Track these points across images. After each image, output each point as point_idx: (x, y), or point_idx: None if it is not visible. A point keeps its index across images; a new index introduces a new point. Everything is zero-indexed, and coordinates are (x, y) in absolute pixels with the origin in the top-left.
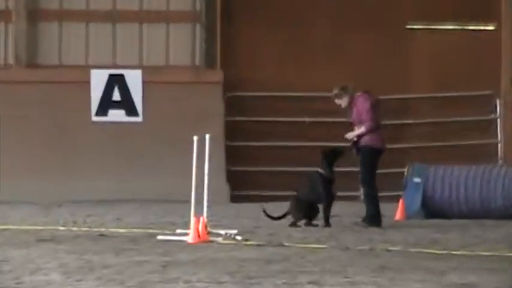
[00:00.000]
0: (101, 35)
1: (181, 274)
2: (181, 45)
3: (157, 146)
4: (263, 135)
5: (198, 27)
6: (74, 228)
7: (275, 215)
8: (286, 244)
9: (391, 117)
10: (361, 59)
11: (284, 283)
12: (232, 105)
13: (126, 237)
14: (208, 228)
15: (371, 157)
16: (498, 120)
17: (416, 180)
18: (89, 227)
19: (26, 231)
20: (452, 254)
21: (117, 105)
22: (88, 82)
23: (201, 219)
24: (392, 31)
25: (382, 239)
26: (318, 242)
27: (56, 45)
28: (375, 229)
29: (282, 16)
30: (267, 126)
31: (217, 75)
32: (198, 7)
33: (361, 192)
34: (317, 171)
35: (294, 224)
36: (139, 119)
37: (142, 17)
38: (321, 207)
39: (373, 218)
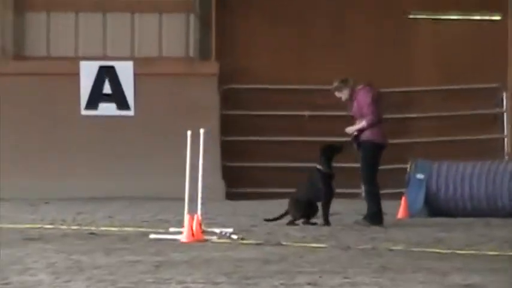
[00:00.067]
0: (91, 25)
1: (174, 275)
2: (174, 35)
3: (150, 141)
4: (260, 130)
5: (192, 17)
6: (63, 227)
7: (275, 215)
8: (284, 243)
9: (393, 111)
10: (362, 50)
11: (282, 284)
12: (228, 98)
13: (117, 236)
14: (203, 227)
15: (372, 153)
16: (504, 114)
17: (420, 176)
18: (79, 225)
19: (13, 230)
20: (456, 253)
21: (107, 98)
22: (77, 74)
23: (195, 217)
24: (394, 21)
25: (384, 238)
26: (317, 241)
27: (44, 36)
28: (376, 228)
29: (280, 4)
30: (264, 120)
31: (212, 67)
32: None
33: (362, 190)
34: (316, 168)
35: (291, 223)
36: (130, 112)
37: (133, 6)
38: (320, 205)
39: (375, 216)
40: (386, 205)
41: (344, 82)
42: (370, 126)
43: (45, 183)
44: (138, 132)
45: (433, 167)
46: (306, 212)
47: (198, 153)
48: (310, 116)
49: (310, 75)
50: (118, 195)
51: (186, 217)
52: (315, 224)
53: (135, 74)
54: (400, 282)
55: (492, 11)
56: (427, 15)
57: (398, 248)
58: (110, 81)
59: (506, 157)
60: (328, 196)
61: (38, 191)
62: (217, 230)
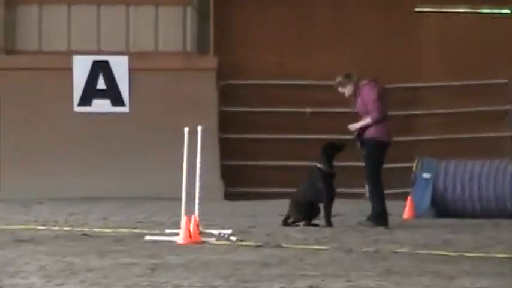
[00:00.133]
0: (84, 18)
1: (170, 278)
2: (171, 29)
3: (145, 138)
4: (260, 127)
5: (189, 9)
6: (55, 228)
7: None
8: (285, 245)
9: (399, 108)
10: (367, 44)
11: (282, 287)
12: (226, 94)
13: (112, 237)
14: (200, 228)
15: (376, 151)
16: None
17: (426, 175)
18: (71, 226)
19: (3, 231)
20: (464, 256)
21: (101, 94)
22: (70, 69)
23: (193, 218)
24: (400, 14)
25: (389, 240)
26: (318, 243)
27: (36, 30)
28: (380, 229)
29: None
30: (264, 117)
31: (211, 61)
32: None
33: (366, 189)
34: (316, 166)
35: (292, 223)
36: (125, 109)
37: None
38: (321, 206)
39: (379, 217)
40: (391, 205)
41: (348, 77)
42: (374, 123)
43: (36, 182)
44: (133, 129)
45: (440, 165)
46: (308, 214)
47: (195, 152)
48: (311, 113)
49: (313, 71)
50: (112, 195)
51: (183, 218)
52: (316, 225)
53: (130, 69)
54: (406, 286)
55: (501, 4)
56: (434, 8)
57: (404, 250)
58: (104, 76)
59: None
60: (329, 196)
61: (29, 191)
62: (215, 232)
